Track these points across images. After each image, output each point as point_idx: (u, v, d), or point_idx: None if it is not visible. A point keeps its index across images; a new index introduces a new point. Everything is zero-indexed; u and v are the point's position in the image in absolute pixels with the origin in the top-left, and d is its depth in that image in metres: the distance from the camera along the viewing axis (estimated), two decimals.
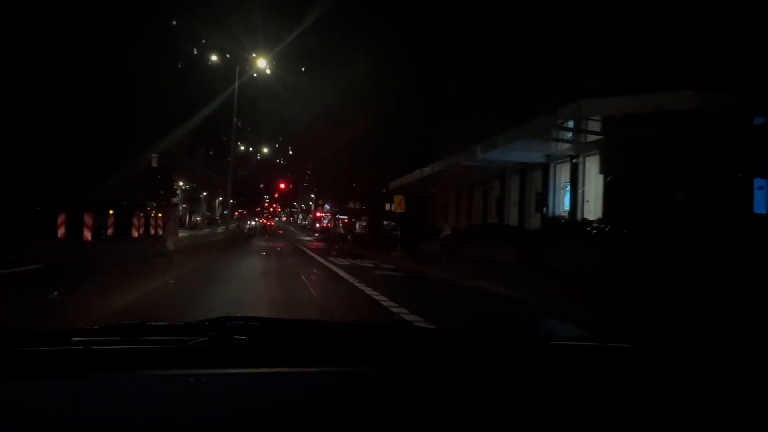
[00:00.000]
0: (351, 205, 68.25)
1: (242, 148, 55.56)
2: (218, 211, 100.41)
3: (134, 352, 1.21)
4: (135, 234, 22.51)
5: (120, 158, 33.56)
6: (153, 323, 1.47)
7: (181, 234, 36.15)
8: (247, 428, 0.95)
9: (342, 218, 67.18)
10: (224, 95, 27.32)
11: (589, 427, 1.06)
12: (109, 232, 22.12)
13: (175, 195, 68.37)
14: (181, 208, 73.72)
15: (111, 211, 22.79)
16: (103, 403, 0.99)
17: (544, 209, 17.27)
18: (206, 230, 57.40)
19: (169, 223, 19.45)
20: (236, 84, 26.76)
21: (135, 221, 22.57)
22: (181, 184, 70.39)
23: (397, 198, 22.11)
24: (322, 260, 17.12)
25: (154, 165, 61.99)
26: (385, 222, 53.93)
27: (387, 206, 53.34)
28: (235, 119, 27.03)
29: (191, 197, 77.14)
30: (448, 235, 19.60)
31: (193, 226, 67.21)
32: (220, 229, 61.71)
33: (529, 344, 1.55)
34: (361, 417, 1.01)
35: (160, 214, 26.49)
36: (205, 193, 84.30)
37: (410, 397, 1.10)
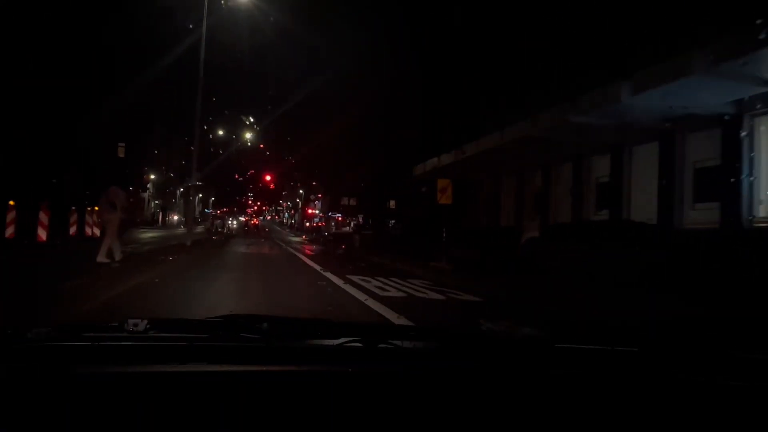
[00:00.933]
0: (345, 201, 60.71)
1: (222, 132, 47.41)
2: (198, 209, 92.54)
3: (141, 349, 1.20)
4: (42, 237, 14.81)
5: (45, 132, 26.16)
6: (161, 319, 1.45)
7: (151, 234, 28.77)
8: (252, 426, 0.95)
9: (335, 216, 59.59)
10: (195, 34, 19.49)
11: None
12: (8, 233, 14.55)
13: (145, 189, 60.44)
14: (153, 204, 65.88)
15: (12, 202, 15.19)
16: (110, 399, 0.98)
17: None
18: (182, 230, 49.52)
19: (109, 217, 11.26)
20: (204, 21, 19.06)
21: (42, 217, 14.85)
22: (153, 177, 62.45)
23: (442, 183, 14.63)
24: (340, 283, 9.66)
25: (121, 155, 54.36)
26: (384, 221, 46.40)
27: (391, 203, 45.87)
28: (202, 75, 19.24)
29: (165, 193, 68.62)
30: (534, 240, 12.20)
31: (173, 225, 59.44)
32: (200, 229, 54.20)
33: (533, 346, 1.53)
34: (367, 416, 1.01)
35: (96, 208, 18.63)
36: (182, 189, 75.64)
37: (417, 396, 1.10)
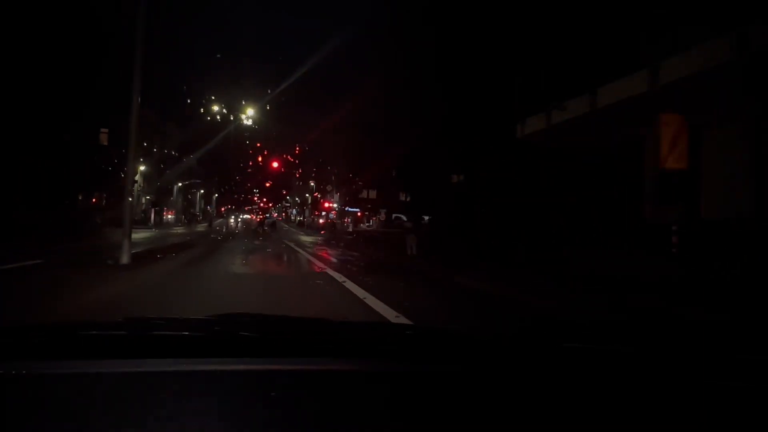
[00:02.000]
0: (365, 194, 52.64)
1: (217, 108, 39.08)
2: (199, 206, 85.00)
3: (137, 346, 1.19)
4: None
5: None
6: (158, 317, 1.44)
7: (140, 235, 22.30)
8: (246, 423, 0.94)
9: (354, 211, 51.48)
10: None
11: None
12: None
13: (132, 182, 52.53)
14: (144, 200, 58.02)
15: None
16: (104, 396, 0.98)
17: None
18: (180, 229, 42.44)
19: None
20: None
21: None
22: (142, 168, 54.48)
23: (670, 125, 6.40)
24: None
25: (104, 143, 47.72)
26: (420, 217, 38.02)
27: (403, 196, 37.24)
28: None
29: (159, 188, 60.35)
30: None
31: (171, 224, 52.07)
32: (201, 228, 47.27)
33: (541, 347, 1.53)
34: (364, 415, 1.00)
35: None
36: (180, 183, 67.74)
37: (417, 397, 1.08)
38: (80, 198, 38.53)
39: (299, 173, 62.75)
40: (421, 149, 27.64)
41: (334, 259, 14.44)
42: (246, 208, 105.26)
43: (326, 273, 10.45)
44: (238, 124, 45.02)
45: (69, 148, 30.62)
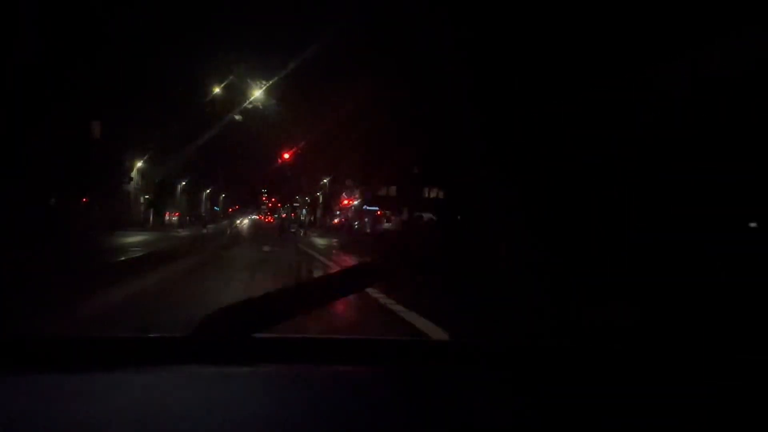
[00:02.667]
0: (384, 191, 47.98)
1: (218, 90, 34.29)
2: (204, 206, 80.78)
3: (134, 348, 1.19)
4: None
5: None
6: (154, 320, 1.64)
7: (127, 239, 20.45)
8: (243, 426, 0.94)
9: (372, 210, 46.74)
10: None
11: None
12: None
13: (128, 179, 47.82)
14: (143, 200, 53.37)
15: None
16: (98, 399, 0.97)
17: None
18: (181, 232, 38.19)
19: None
20: None
21: None
22: (139, 164, 49.80)
23: None
24: None
25: (97, 136, 43.61)
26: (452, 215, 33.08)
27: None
28: None
29: (159, 187, 55.60)
30: None
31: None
32: (206, 230, 43.15)
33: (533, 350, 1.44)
34: (363, 418, 0.99)
35: None
36: (184, 182, 63.21)
37: (417, 401, 1.06)
38: (72, 197, 34.19)
39: (313, 170, 58.86)
40: (458, 128, 22.45)
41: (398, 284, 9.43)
42: (242, 210, 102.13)
43: (402, 318, 5.47)
44: (237, 121, 40.94)
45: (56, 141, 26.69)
